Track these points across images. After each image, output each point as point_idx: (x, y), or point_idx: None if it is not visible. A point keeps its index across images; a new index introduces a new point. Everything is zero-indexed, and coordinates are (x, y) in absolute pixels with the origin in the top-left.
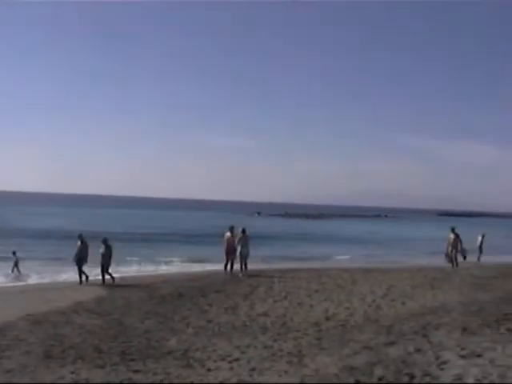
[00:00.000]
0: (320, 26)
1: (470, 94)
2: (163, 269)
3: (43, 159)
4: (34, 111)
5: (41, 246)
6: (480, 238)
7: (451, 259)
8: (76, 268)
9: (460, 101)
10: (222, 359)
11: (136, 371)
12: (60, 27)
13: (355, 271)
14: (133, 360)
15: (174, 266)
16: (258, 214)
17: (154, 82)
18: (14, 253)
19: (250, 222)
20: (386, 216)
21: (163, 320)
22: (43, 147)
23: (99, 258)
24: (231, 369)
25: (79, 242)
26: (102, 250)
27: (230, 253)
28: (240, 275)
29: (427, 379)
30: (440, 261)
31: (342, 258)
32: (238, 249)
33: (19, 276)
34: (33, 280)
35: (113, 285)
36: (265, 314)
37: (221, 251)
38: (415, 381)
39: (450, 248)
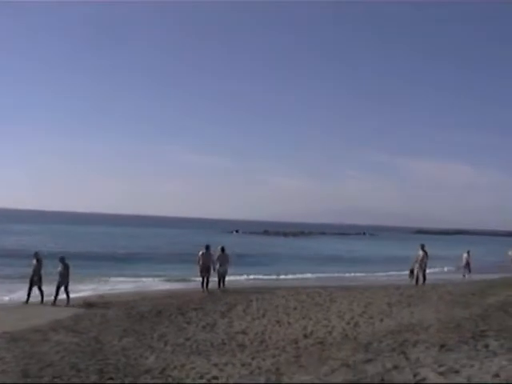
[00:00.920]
0: (301, 49)
1: (445, 113)
2: (141, 286)
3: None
4: None
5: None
6: (465, 255)
7: (416, 276)
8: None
9: (435, 120)
10: (201, 377)
11: None
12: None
13: (333, 289)
14: (111, 378)
15: (151, 283)
16: (237, 231)
17: (127, 99)
18: None
19: (228, 240)
20: (364, 234)
21: (141, 338)
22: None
23: (57, 277)
24: None
25: (35, 261)
26: (59, 268)
27: (204, 270)
28: (218, 292)
29: None
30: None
31: (320, 276)
32: (217, 266)
33: None
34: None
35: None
36: (243, 332)
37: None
38: None
39: (416, 265)
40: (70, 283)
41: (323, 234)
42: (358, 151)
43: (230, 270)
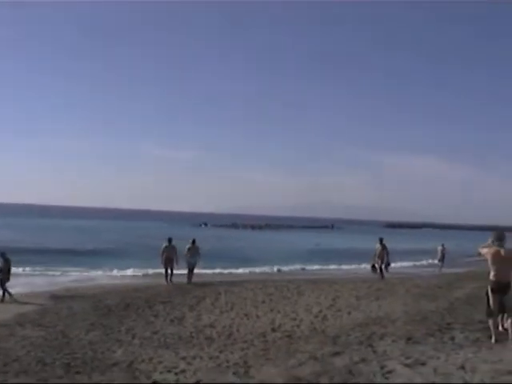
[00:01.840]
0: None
1: (419, 109)
2: (108, 280)
3: None
4: None
5: None
6: (440, 248)
7: (378, 270)
8: None
9: (409, 115)
10: (168, 371)
11: None
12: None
13: (301, 282)
14: (78, 373)
15: (118, 277)
16: (205, 224)
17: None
18: None
19: (196, 233)
20: (332, 227)
21: (109, 331)
22: None
23: None
24: (177, 380)
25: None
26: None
27: (167, 263)
28: (187, 285)
29: None
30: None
31: (288, 269)
32: (187, 258)
33: None
34: None
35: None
36: (211, 325)
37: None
38: None
39: (376, 259)
40: (36, 277)
41: (291, 227)
42: (333, 146)
43: (199, 263)
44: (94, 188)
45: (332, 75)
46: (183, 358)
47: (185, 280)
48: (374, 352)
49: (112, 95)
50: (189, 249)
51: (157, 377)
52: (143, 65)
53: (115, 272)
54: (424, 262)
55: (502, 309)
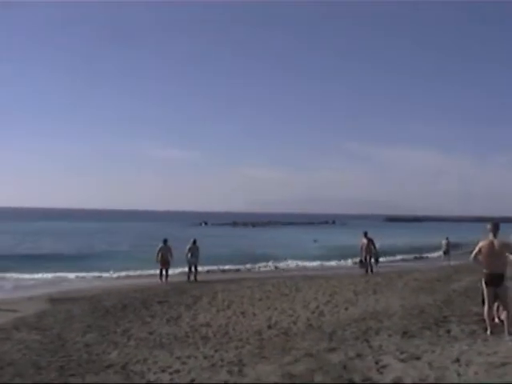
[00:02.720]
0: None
1: (417, 102)
2: (106, 281)
3: None
4: None
5: None
6: (445, 242)
7: (367, 265)
8: None
9: (407, 108)
10: (163, 371)
11: None
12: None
13: (299, 279)
14: (72, 375)
15: (117, 278)
16: (205, 223)
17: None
18: None
19: (194, 232)
20: (333, 222)
21: (105, 333)
22: None
23: None
24: (171, 380)
25: None
26: None
27: (162, 263)
28: (185, 284)
29: None
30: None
31: (286, 266)
32: (187, 258)
33: None
34: None
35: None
36: (207, 324)
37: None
38: None
39: (363, 254)
40: (33, 281)
41: (291, 223)
42: (331, 140)
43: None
44: (94, 189)
45: (332, 69)
46: (178, 358)
47: (184, 279)
48: (370, 347)
49: (114, 94)
50: (189, 248)
51: (151, 377)
52: (144, 65)
53: (112, 273)
54: (423, 256)
55: (496, 300)
